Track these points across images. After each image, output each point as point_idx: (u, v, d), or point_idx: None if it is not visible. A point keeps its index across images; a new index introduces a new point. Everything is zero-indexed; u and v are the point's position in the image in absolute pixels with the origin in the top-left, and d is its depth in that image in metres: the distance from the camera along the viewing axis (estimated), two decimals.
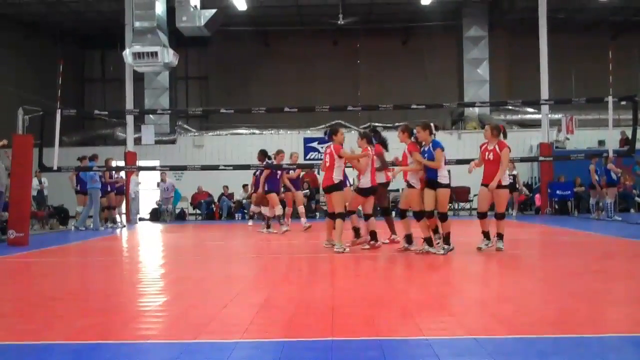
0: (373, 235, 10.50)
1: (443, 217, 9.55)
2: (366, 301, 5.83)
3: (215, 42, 29.11)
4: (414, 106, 15.67)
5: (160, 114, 27.02)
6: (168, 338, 4.64)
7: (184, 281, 7.65)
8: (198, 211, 24.42)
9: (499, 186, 9.66)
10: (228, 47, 30.55)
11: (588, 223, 17.30)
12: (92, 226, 17.56)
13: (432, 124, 9.87)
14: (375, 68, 31.28)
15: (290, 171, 15.13)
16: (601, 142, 24.07)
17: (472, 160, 15.13)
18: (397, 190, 25.18)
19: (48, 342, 4.50)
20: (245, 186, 22.39)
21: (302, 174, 17.63)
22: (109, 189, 18.37)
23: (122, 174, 19.70)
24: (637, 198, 22.71)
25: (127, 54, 21.77)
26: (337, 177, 10.36)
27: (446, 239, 9.55)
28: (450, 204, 24.13)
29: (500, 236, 9.86)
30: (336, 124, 27.66)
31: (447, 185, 9.49)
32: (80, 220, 17.83)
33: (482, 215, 9.96)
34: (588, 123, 26.52)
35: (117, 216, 19.68)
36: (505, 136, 9.92)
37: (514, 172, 20.79)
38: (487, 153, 9.85)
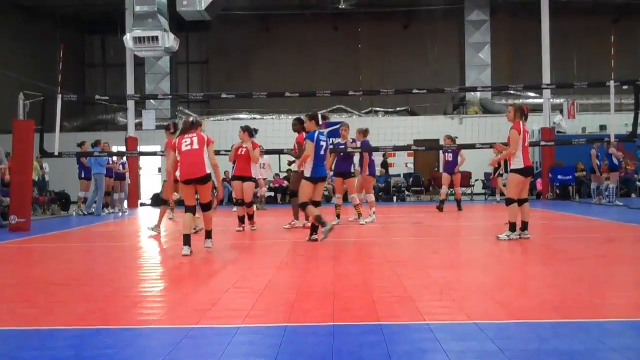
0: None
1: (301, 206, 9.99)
2: (367, 286, 5.84)
3: (216, 26, 29.00)
4: (415, 90, 15.71)
5: (161, 99, 26.98)
6: (170, 323, 4.65)
7: (185, 266, 7.67)
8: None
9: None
10: (229, 32, 30.44)
11: (589, 208, 17.30)
12: (94, 212, 17.57)
13: (319, 114, 9.96)
14: (376, 52, 31.18)
15: None
16: (602, 127, 24.00)
17: (473, 144, 15.20)
18: (399, 175, 25.25)
19: (50, 327, 4.52)
20: None
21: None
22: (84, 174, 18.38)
23: (124, 158, 19.68)
24: (638, 183, 22.68)
25: (128, 38, 21.70)
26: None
27: (312, 229, 9.73)
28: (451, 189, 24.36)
29: (510, 225, 9.49)
30: (337, 108, 27.70)
31: (306, 178, 9.62)
32: (87, 205, 17.88)
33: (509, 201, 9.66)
34: (590, 107, 26.46)
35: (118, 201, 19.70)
36: (520, 117, 9.54)
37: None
38: None
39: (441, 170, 16.88)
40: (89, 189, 18.23)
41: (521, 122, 9.51)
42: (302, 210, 10.00)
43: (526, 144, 9.46)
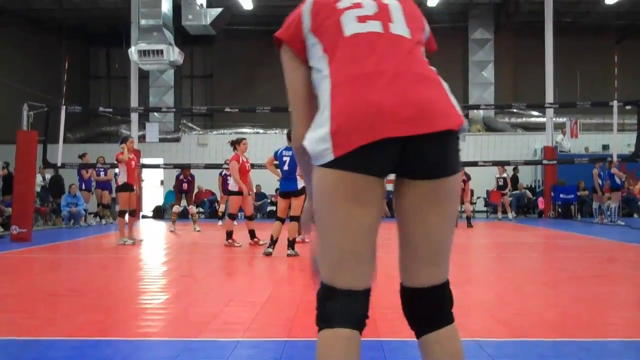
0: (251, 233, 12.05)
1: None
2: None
3: (220, 40, 29.10)
4: None
5: (165, 112, 27.01)
6: (169, 336, 4.64)
7: (185, 279, 7.67)
8: (201, 209, 24.43)
9: None
10: (233, 46, 30.53)
11: (591, 227, 17.27)
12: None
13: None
14: None
15: None
16: (605, 147, 24.00)
17: (476, 162, 15.19)
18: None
19: (50, 337, 4.52)
20: (257, 186, 22.07)
21: None
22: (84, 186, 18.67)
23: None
24: None
25: (133, 51, 21.78)
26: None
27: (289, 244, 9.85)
28: None
29: None
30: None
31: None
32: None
33: None
34: (592, 127, 26.48)
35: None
36: None
37: (504, 175, 20.78)
38: None
39: None
40: (89, 200, 18.34)
41: None
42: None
43: None
